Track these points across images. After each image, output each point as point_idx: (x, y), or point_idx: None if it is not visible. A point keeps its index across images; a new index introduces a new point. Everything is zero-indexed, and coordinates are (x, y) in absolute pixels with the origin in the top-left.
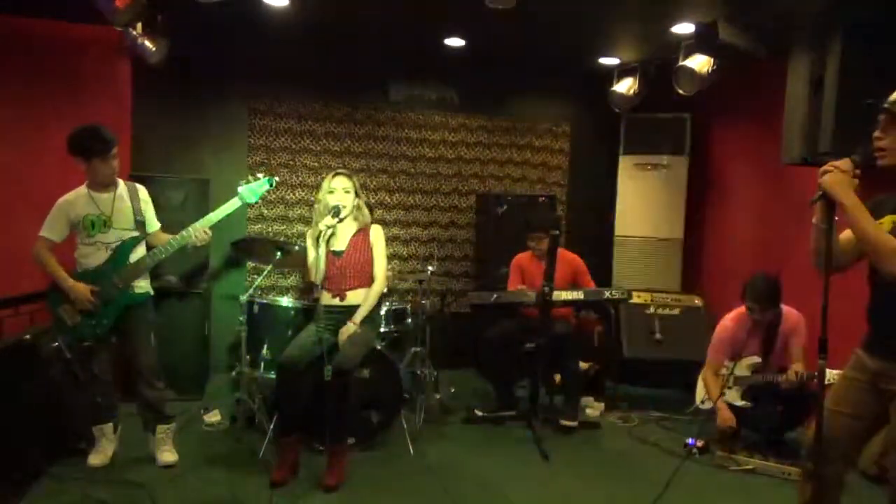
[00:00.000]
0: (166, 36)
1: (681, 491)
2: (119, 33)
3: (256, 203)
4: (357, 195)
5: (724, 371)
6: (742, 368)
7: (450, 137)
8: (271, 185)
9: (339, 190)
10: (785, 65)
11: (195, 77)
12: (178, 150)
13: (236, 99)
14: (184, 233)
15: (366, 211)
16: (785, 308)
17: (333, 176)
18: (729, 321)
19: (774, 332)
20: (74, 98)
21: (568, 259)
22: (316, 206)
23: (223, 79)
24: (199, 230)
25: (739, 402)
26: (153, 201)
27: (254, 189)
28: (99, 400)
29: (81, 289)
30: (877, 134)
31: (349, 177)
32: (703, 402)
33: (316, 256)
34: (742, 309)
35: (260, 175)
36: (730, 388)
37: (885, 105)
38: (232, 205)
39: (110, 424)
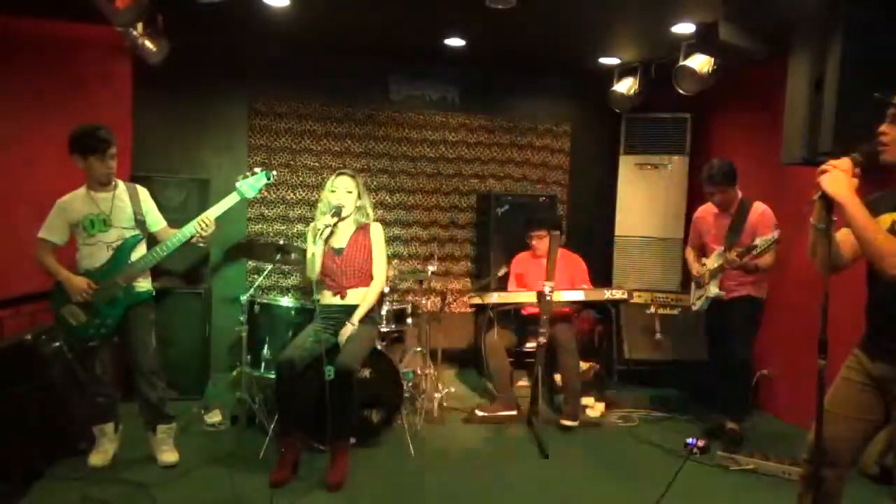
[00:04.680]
0: (167, 36)
1: (681, 491)
2: (119, 33)
3: (255, 197)
4: (360, 196)
5: (702, 270)
6: (713, 262)
7: (450, 137)
8: (269, 180)
9: (340, 190)
10: (785, 65)
11: (195, 77)
12: (178, 150)
13: (236, 99)
14: (185, 228)
15: (369, 211)
16: (756, 202)
17: (337, 176)
18: (699, 209)
19: (742, 221)
20: (74, 98)
21: (568, 259)
22: (318, 204)
23: (223, 79)
24: (202, 220)
25: (713, 293)
26: (153, 201)
27: (252, 184)
28: (99, 400)
29: (78, 280)
30: (883, 129)
31: (352, 177)
32: (694, 303)
33: (313, 253)
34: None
35: (257, 170)
36: (707, 283)
37: (894, 101)
38: (230, 200)
39: (111, 424)
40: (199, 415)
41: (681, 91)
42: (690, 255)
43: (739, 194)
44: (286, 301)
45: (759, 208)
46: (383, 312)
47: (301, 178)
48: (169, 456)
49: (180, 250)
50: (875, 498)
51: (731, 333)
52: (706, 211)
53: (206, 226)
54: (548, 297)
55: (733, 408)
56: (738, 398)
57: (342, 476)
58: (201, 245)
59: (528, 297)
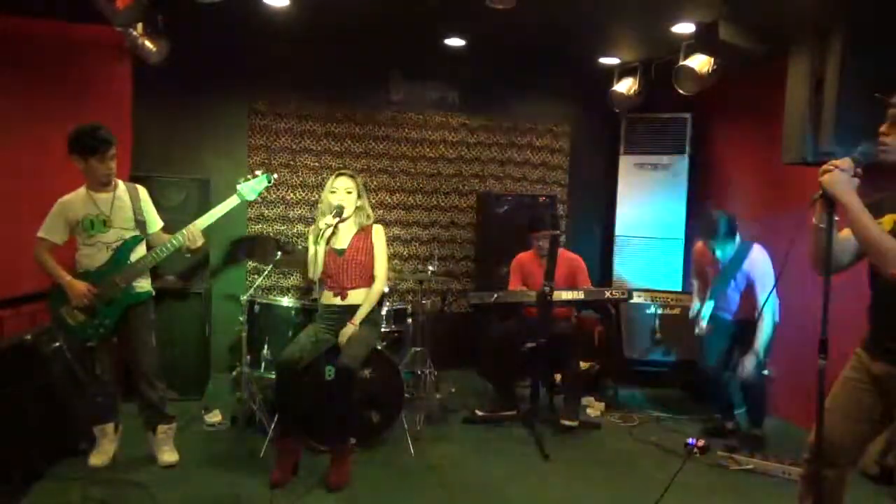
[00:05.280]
0: (166, 36)
1: (681, 491)
2: (119, 34)
3: (256, 200)
4: (360, 196)
5: (694, 312)
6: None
7: (450, 137)
8: (270, 182)
9: (341, 190)
10: (785, 65)
11: (195, 77)
12: (178, 150)
13: (236, 99)
14: (174, 238)
15: (369, 211)
16: (755, 246)
17: (336, 176)
18: (698, 244)
19: (735, 269)
20: (74, 98)
21: (568, 259)
22: (319, 205)
23: (223, 79)
24: (191, 232)
25: (697, 333)
26: (153, 201)
27: (252, 186)
28: (100, 400)
29: (79, 285)
30: (883, 129)
31: (352, 177)
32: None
33: (315, 253)
34: None
35: (258, 172)
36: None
37: (893, 101)
38: (231, 202)
39: (111, 424)
40: (199, 415)
41: (681, 91)
42: (696, 291)
43: (738, 240)
44: (286, 301)
45: (753, 254)
46: (383, 313)
47: (301, 179)
48: (169, 456)
49: (177, 252)
50: (875, 498)
51: (742, 349)
52: (704, 251)
53: (194, 239)
54: (548, 297)
55: (753, 418)
56: (755, 408)
57: (343, 477)
58: (187, 256)
59: (527, 296)
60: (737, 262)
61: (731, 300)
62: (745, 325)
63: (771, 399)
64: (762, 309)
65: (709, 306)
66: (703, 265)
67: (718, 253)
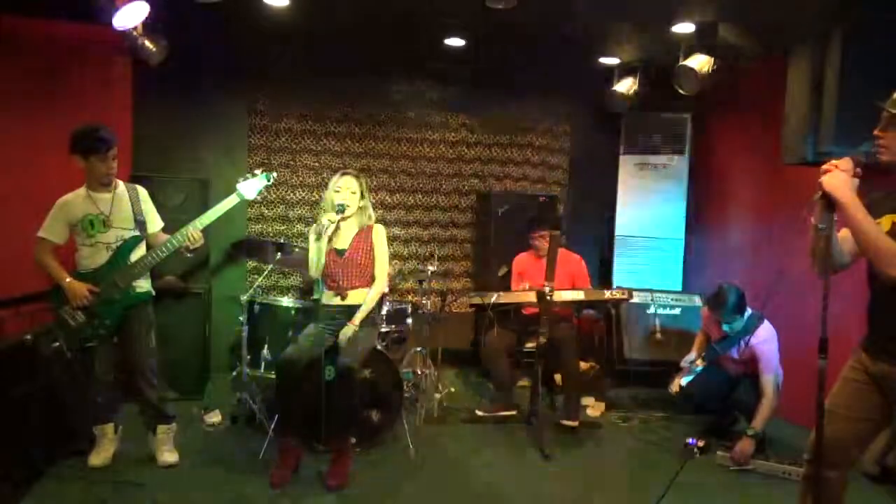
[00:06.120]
0: (167, 37)
1: (681, 491)
2: (119, 33)
3: (255, 200)
4: (363, 196)
5: (687, 362)
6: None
7: (450, 137)
8: (269, 181)
9: (344, 189)
10: (785, 65)
11: (195, 77)
12: (178, 150)
13: (236, 99)
14: (174, 238)
15: (370, 212)
16: (762, 326)
17: (341, 175)
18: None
19: (735, 341)
20: (74, 98)
21: (568, 259)
22: (321, 203)
23: (223, 79)
24: (190, 232)
25: (679, 384)
26: (153, 201)
27: (252, 185)
28: (99, 400)
29: (78, 286)
30: (877, 132)
31: (356, 177)
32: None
33: (316, 251)
34: None
35: (258, 171)
36: (682, 375)
37: (885, 106)
38: (230, 201)
39: (111, 424)
40: (199, 415)
41: (681, 91)
42: (697, 343)
43: (748, 314)
44: (286, 301)
45: (760, 333)
46: (383, 313)
47: (301, 179)
48: (169, 456)
49: (176, 252)
50: (875, 498)
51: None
52: (711, 317)
53: (194, 239)
54: (548, 297)
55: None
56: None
57: (342, 477)
58: (188, 256)
59: (528, 296)
60: (743, 333)
61: (731, 357)
62: (742, 375)
63: None
64: (762, 389)
65: (695, 371)
66: (709, 327)
67: (726, 328)
